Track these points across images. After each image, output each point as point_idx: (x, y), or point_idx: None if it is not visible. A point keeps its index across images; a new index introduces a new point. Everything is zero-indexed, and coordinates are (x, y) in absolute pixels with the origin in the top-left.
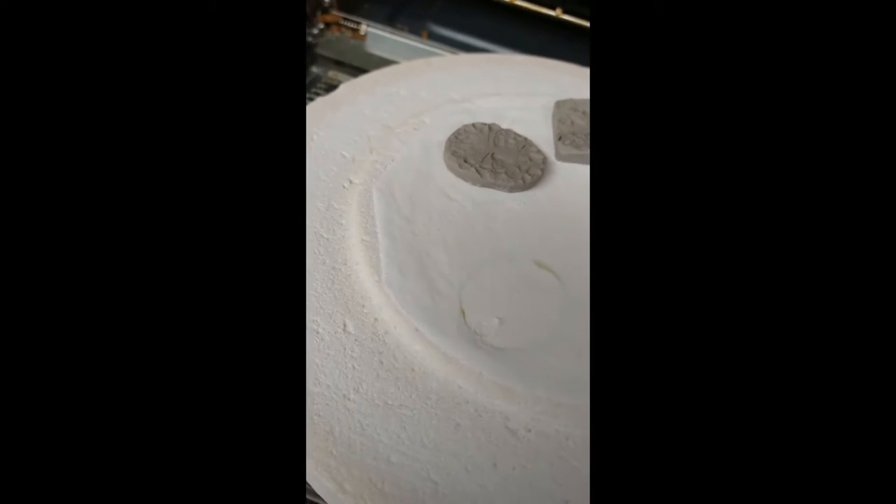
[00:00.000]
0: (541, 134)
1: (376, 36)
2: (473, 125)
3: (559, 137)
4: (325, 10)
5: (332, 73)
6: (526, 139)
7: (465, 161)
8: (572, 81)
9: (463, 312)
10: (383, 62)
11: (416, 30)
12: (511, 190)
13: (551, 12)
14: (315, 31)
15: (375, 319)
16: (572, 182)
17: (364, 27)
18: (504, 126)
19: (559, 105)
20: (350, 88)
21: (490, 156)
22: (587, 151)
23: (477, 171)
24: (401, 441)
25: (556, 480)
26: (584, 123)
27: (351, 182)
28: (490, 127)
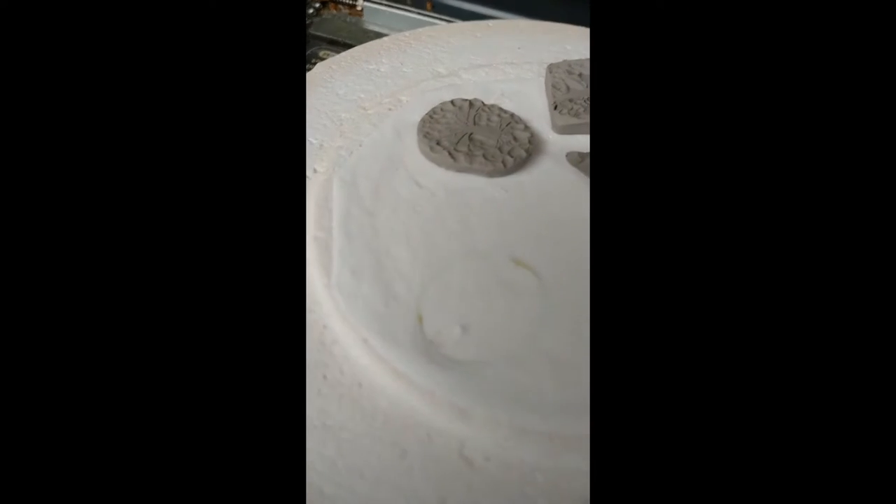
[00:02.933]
0: (535, 107)
1: (374, 10)
2: (453, 102)
3: (555, 107)
4: None
5: (324, 53)
6: (512, 115)
7: (438, 143)
8: (578, 47)
9: (420, 319)
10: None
11: (420, 3)
12: (490, 175)
13: None
14: (310, 11)
15: (324, 327)
16: (564, 163)
17: (361, 2)
18: (491, 101)
19: (552, 69)
20: (325, 67)
21: (467, 136)
22: (589, 119)
23: (450, 154)
24: (336, 470)
25: None
26: (582, 87)
27: (315, 171)
28: (471, 103)
